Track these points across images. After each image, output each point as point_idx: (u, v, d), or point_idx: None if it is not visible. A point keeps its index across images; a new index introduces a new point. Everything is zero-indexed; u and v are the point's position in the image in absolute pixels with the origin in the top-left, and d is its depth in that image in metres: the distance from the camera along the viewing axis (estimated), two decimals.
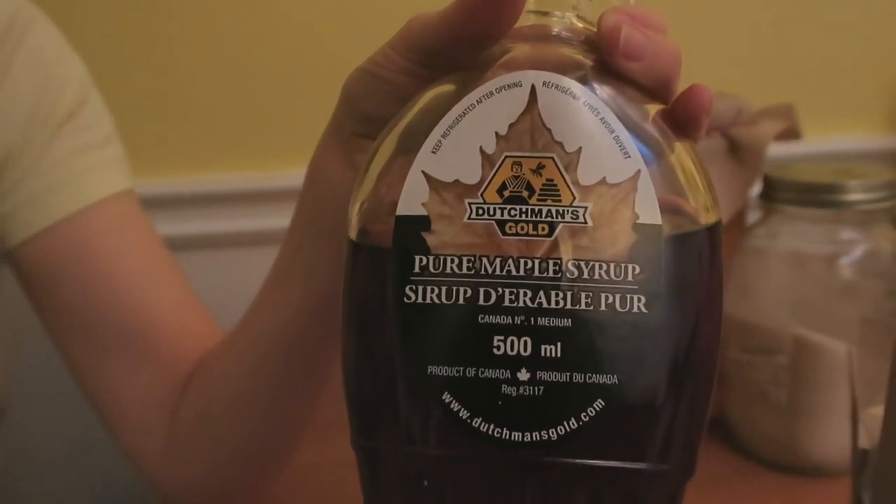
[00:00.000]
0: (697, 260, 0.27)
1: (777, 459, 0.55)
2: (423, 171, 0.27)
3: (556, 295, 0.26)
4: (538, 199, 0.26)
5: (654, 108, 0.28)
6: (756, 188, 0.57)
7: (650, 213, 0.26)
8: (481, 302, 0.26)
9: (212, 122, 0.77)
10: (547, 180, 0.26)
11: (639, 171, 0.26)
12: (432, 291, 0.26)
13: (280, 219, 0.43)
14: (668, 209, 0.26)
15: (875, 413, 0.33)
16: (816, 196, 0.52)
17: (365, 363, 0.28)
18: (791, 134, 0.58)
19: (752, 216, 0.60)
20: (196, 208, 0.76)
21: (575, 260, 0.26)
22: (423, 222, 0.27)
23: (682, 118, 0.28)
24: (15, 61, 0.47)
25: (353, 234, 0.29)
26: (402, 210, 0.27)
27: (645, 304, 0.26)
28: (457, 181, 0.27)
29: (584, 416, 0.25)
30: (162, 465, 0.48)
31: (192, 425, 0.46)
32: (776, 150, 0.57)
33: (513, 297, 0.26)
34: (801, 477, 0.54)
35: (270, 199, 0.76)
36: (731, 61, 0.78)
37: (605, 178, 0.26)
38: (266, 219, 0.74)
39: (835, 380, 0.51)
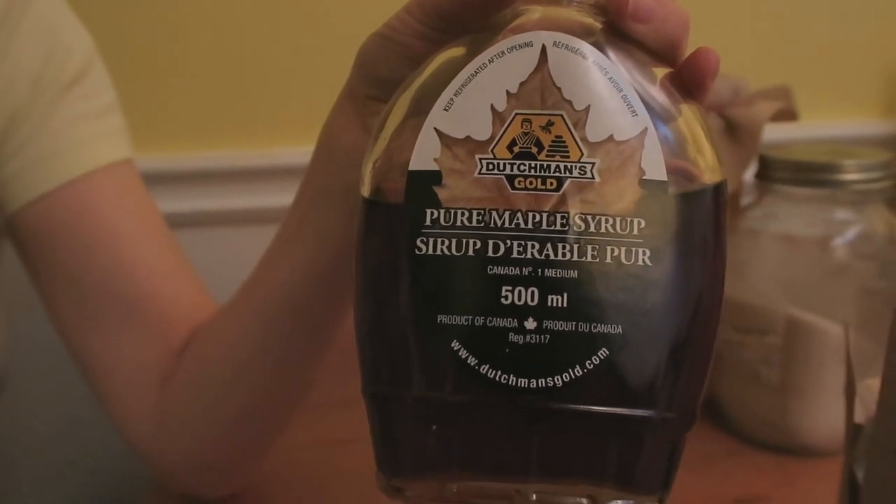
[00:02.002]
0: (702, 217, 0.28)
1: (768, 439, 0.55)
2: (435, 128, 0.28)
3: (563, 247, 0.26)
4: (547, 155, 0.27)
5: (662, 72, 0.29)
6: (751, 170, 0.57)
7: (656, 170, 0.27)
8: (490, 253, 0.27)
9: (210, 99, 0.76)
10: (556, 137, 0.27)
11: (645, 129, 0.27)
12: (443, 244, 0.27)
13: (277, 197, 0.43)
14: (674, 169, 0.27)
15: (871, 384, 0.33)
16: (811, 175, 0.52)
17: (377, 313, 0.29)
18: (788, 115, 0.58)
19: (748, 199, 0.60)
20: (192, 185, 0.76)
21: (582, 214, 0.26)
22: (434, 177, 0.27)
23: (688, 80, 0.28)
24: (21, 26, 0.47)
25: (365, 192, 0.29)
26: (414, 165, 0.28)
27: (650, 258, 0.26)
28: (468, 137, 0.27)
29: (589, 364, 0.26)
30: (152, 435, 0.47)
31: (186, 395, 0.46)
32: (772, 133, 0.57)
33: (521, 249, 0.26)
34: (792, 456, 0.54)
35: (268, 176, 0.75)
36: (728, 44, 0.78)
37: (612, 135, 0.27)
38: (263, 196, 0.73)
39: (827, 359, 0.52)
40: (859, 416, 0.35)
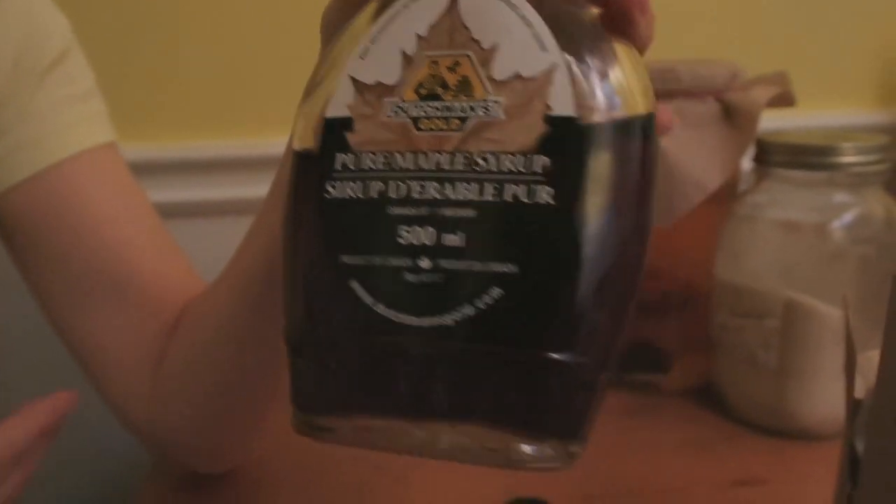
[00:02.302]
0: (619, 153, 0.27)
1: (765, 423, 0.55)
2: (350, 76, 0.29)
3: (463, 186, 0.26)
4: (452, 96, 0.27)
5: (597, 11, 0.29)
6: (749, 156, 0.57)
7: (564, 106, 0.26)
8: (391, 195, 0.27)
9: (200, 88, 0.76)
10: (462, 77, 0.27)
11: (555, 64, 0.26)
12: (350, 187, 0.28)
13: (266, 187, 0.43)
14: (587, 106, 0.26)
15: (871, 356, 0.33)
16: (809, 158, 0.52)
17: (292, 258, 0.30)
18: (785, 99, 0.58)
19: (745, 184, 0.60)
20: (182, 175, 0.75)
21: (483, 152, 0.26)
22: (346, 123, 0.28)
23: (617, 17, 0.28)
24: (1, 3, 0.47)
25: (295, 144, 0.30)
26: (329, 112, 0.29)
27: (553, 196, 0.26)
28: (378, 82, 0.28)
29: (481, 304, 0.26)
30: (147, 414, 0.48)
31: (177, 371, 0.46)
32: (769, 122, 0.56)
33: (421, 189, 0.27)
34: (789, 440, 0.54)
35: (259, 166, 0.75)
36: (726, 34, 0.78)
37: (519, 72, 0.27)
38: (254, 187, 0.73)
39: (825, 342, 0.52)
40: (859, 391, 0.34)
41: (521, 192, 0.26)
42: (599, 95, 0.27)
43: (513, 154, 0.26)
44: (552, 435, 0.27)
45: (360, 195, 0.27)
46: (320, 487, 0.51)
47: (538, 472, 0.28)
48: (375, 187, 0.27)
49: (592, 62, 0.27)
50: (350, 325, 0.28)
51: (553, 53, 0.26)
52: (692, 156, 0.55)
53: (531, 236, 0.26)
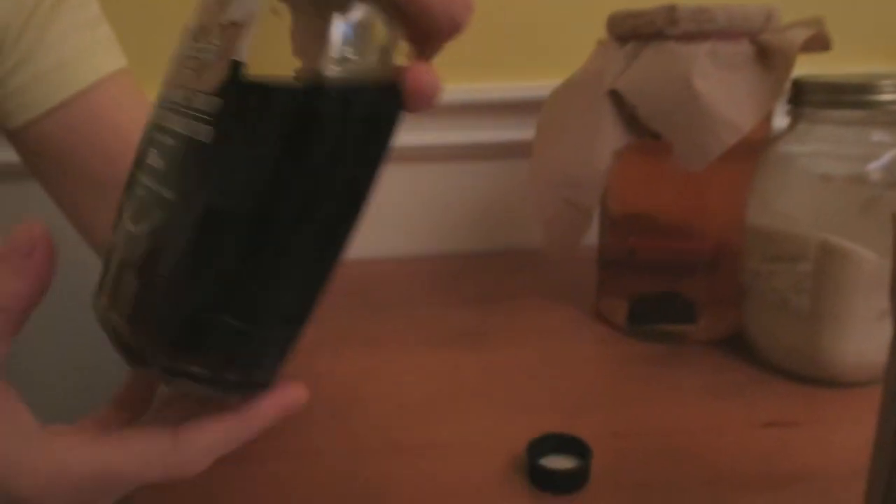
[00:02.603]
0: (287, 114, 0.27)
1: (796, 369, 0.54)
2: (188, 23, 0.32)
3: (176, 119, 0.30)
4: (203, 40, 0.30)
5: None
6: (781, 108, 0.56)
7: (245, 53, 0.27)
8: (156, 121, 0.32)
9: None
10: (209, 23, 0.30)
11: (253, 12, 0.27)
12: (151, 113, 0.33)
13: None
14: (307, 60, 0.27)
15: None
16: (847, 97, 0.51)
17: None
18: (820, 42, 0.56)
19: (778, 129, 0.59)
20: None
21: (196, 91, 0.29)
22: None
23: None
24: None
25: None
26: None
27: (212, 137, 0.27)
28: (190, 27, 0.32)
29: (151, 223, 0.29)
30: None
31: None
32: (800, 73, 0.55)
33: (167, 119, 0.30)
34: (821, 386, 0.53)
35: None
36: None
37: (234, 18, 0.28)
38: None
39: (860, 286, 0.50)
40: None
41: (194, 128, 0.28)
42: (300, 47, 0.27)
43: (204, 94, 0.28)
44: (204, 359, 0.30)
45: (150, 119, 0.32)
46: (346, 425, 0.51)
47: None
48: (153, 113, 0.32)
49: (304, 13, 0.27)
50: (114, 224, 0.32)
51: (259, 2, 0.27)
52: (725, 97, 0.54)
53: (187, 170, 0.28)
